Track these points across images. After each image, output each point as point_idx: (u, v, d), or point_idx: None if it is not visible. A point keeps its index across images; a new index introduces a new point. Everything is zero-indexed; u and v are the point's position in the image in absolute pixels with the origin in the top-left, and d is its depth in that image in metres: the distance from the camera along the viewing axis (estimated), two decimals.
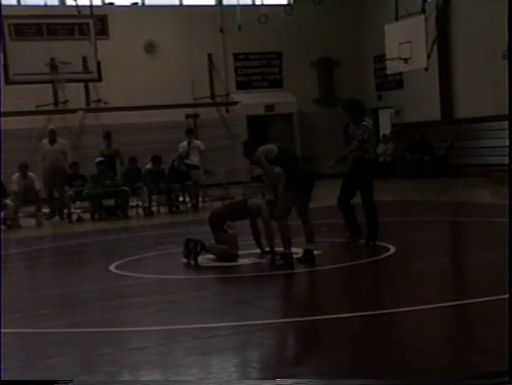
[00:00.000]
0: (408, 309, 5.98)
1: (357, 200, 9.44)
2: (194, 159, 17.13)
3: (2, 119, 15.50)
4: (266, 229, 9.20)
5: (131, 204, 16.28)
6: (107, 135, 17.38)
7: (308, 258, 8.53)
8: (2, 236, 12.71)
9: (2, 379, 4.46)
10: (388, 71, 22.14)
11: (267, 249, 9.26)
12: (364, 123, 9.29)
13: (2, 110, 15.61)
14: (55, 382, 4.39)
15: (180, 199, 16.86)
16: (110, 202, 16.22)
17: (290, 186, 8.45)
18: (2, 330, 4.99)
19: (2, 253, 10.00)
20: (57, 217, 16.08)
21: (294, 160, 8.75)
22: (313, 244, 8.62)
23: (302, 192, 8.54)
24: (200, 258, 9.02)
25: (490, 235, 10.21)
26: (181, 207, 16.63)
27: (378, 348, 4.99)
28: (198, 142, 17.70)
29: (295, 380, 4.37)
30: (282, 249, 8.61)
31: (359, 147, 9.20)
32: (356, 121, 9.31)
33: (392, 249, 9.02)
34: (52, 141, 16.33)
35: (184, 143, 17.35)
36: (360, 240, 9.45)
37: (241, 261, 8.90)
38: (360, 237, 9.46)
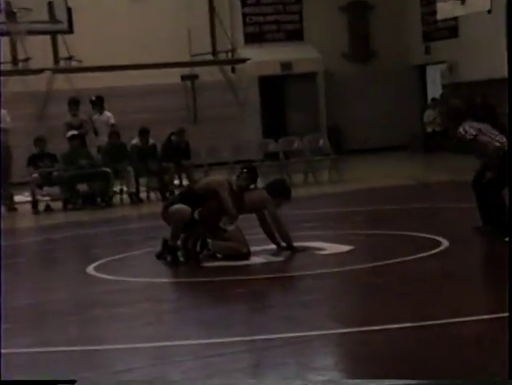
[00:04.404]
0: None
1: None
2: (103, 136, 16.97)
3: None
4: (275, 224, 9.23)
5: (114, 189, 16.34)
6: (73, 102, 17.18)
7: None
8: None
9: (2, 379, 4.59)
10: (438, 16, 22.02)
11: (284, 244, 9.30)
12: None
13: None
14: (58, 382, 4.63)
15: (176, 182, 16.91)
16: (86, 187, 16.30)
17: None
18: None
19: None
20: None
21: None
22: None
23: None
24: (201, 256, 9.09)
25: None
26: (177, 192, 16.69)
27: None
28: (108, 114, 17.49)
29: None
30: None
31: None
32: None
33: (445, 243, 9.06)
34: None
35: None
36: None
37: (252, 260, 8.95)
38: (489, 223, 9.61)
